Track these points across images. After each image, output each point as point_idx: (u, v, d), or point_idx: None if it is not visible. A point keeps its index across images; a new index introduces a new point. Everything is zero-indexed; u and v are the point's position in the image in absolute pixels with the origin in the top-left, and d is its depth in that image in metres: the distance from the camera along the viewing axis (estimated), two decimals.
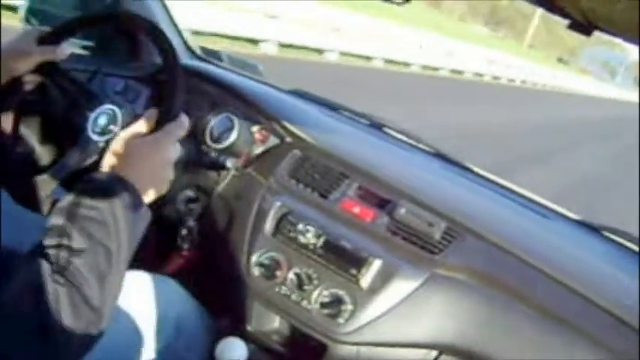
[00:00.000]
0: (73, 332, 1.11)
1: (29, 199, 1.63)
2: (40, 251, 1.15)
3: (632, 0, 0.96)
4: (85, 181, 1.28)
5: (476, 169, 2.42)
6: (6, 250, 1.16)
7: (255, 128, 2.10)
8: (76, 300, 1.12)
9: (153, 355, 1.72)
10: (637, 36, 1.11)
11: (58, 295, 1.10)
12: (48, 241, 1.17)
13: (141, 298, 1.75)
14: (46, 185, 1.63)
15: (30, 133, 1.92)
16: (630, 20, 1.01)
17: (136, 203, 1.30)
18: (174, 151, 1.42)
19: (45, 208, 1.61)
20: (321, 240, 1.82)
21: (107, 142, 1.65)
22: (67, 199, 1.24)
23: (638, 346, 1.58)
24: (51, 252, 1.15)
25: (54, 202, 1.31)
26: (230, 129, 2.01)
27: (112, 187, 1.26)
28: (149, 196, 1.36)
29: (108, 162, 1.36)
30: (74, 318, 1.11)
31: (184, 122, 1.43)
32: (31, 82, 1.72)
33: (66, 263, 1.14)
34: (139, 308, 1.72)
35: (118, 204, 1.24)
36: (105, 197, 1.23)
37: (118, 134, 1.53)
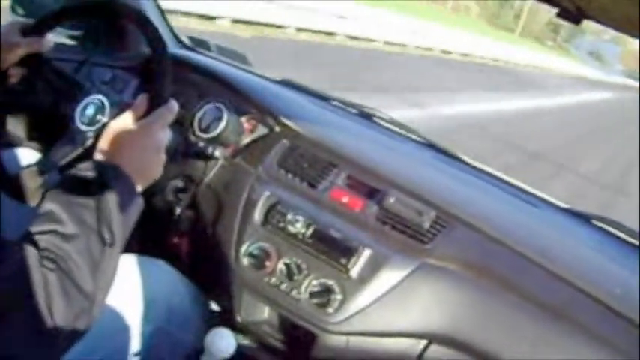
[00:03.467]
0: (65, 319, 1.11)
1: (18, 192, 1.62)
2: (30, 237, 1.14)
3: None
4: (76, 170, 1.28)
5: (466, 158, 2.42)
6: None
7: (243, 118, 2.09)
8: (67, 286, 1.12)
9: (144, 337, 1.72)
10: (629, 25, 1.11)
11: (48, 280, 1.09)
12: (39, 227, 1.16)
13: (131, 280, 1.75)
14: (35, 177, 1.62)
15: (17, 126, 1.92)
16: (621, 9, 1.01)
17: (129, 190, 1.29)
18: (165, 136, 1.42)
19: (35, 199, 1.60)
20: (311, 230, 1.82)
21: (95, 133, 1.64)
22: (59, 186, 1.23)
23: (628, 334, 1.58)
24: (41, 238, 1.14)
25: (44, 194, 1.30)
26: (218, 119, 2.00)
27: (104, 174, 1.26)
28: (142, 182, 1.36)
29: (99, 151, 1.35)
30: (66, 304, 1.11)
31: (174, 106, 1.42)
32: (16, 74, 1.71)
33: (57, 249, 1.13)
34: (130, 291, 1.73)
35: (110, 191, 1.23)
36: (97, 185, 1.23)
37: (106, 124, 1.52)
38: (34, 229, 1.16)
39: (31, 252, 1.10)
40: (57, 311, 1.09)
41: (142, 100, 1.41)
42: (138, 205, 1.33)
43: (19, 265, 1.08)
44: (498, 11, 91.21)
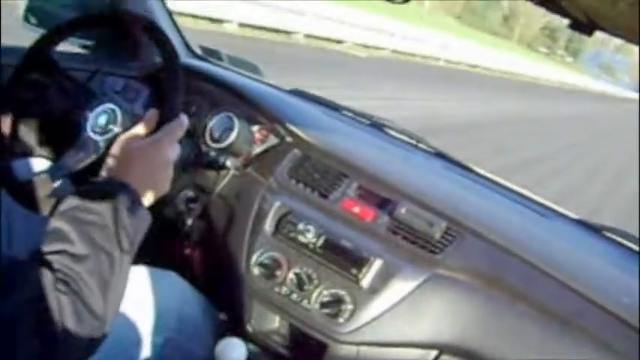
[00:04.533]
0: (76, 340, 1.11)
1: (29, 200, 1.63)
2: (41, 258, 1.14)
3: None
4: (86, 186, 1.29)
5: (476, 168, 2.42)
6: (7, 257, 1.16)
7: (255, 128, 2.10)
8: (79, 308, 1.12)
9: (155, 348, 1.73)
10: (635, 36, 1.11)
11: (61, 304, 1.10)
12: (50, 247, 1.16)
13: (142, 291, 1.76)
14: (46, 185, 1.62)
15: (29, 133, 1.92)
16: (632, 20, 1.01)
17: (137, 207, 1.30)
18: (174, 151, 1.42)
19: (45, 208, 1.60)
20: (322, 240, 1.82)
21: (107, 142, 1.65)
22: (69, 202, 1.23)
23: (636, 343, 1.58)
24: (53, 258, 1.14)
25: (56, 203, 1.31)
26: (230, 128, 2.01)
27: (114, 191, 1.26)
28: (150, 198, 1.37)
29: (109, 165, 1.36)
30: (77, 326, 1.11)
31: (184, 122, 1.43)
32: (29, 81, 1.72)
33: (68, 270, 1.14)
34: (140, 301, 1.73)
35: (119, 209, 1.24)
36: (106, 202, 1.23)
37: (118, 134, 1.53)
38: (45, 248, 1.16)
39: (46, 276, 1.11)
40: (69, 333, 1.10)
41: (153, 114, 1.42)
42: (146, 222, 1.34)
43: (35, 290, 1.09)
44: (483, 11, 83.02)
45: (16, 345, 1.04)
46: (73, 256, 1.15)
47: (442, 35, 37.00)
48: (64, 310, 1.10)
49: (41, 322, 1.07)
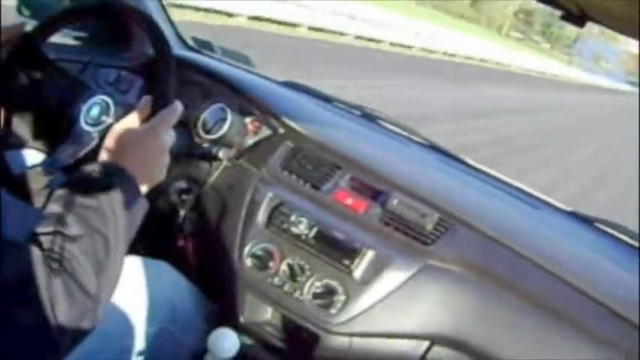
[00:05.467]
0: (69, 319, 1.10)
1: (23, 192, 1.63)
2: (34, 238, 1.14)
3: None
4: (82, 171, 1.28)
5: (469, 160, 2.42)
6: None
7: (247, 119, 2.10)
8: (71, 287, 1.11)
9: (148, 338, 1.73)
10: (632, 28, 1.11)
11: (52, 281, 1.09)
12: (43, 229, 1.15)
13: (134, 282, 1.75)
14: (40, 178, 1.62)
15: (23, 126, 1.92)
16: (625, 12, 1.01)
17: (134, 192, 1.30)
18: (169, 137, 1.42)
19: (39, 200, 1.60)
20: (314, 231, 1.82)
21: (100, 133, 1.65)
22: (64, 188, 1.23)
23: (629, 337, 1.58)
24: (45, 239, 1.14)
25: (49, 194, 1.31)
26: (223, 120, 2.00)
27: (110, 176, 1.26)
28: (146, 184, 1.36)
29: (104, 153, 1.36)
30: (69, 305, 1.10)
31: (178, 107, 1.43)
32: (22, 75, 1.72)
33: (61, 250, 1.13)
34: (133, 292, 1.72)
35: (115, 193, 1.23)
36: (102, 186, 1.23)
37: (111, 125, 1.53)
38: (38, 230, 1.16)
39: (35, 252, 1.10)
40: (60, 312, 1.09)
41: (146, 102, 1.42)
42: (142, 207, 1.34)
43: (24, 266, 1.08)
44: None
45: (5, 323, 1.04)
46: (67, 237, 1.15)
47: (393, 15, 31.82)
48: (55, 288, 1.09)
49: (31, 298, 1.07)
